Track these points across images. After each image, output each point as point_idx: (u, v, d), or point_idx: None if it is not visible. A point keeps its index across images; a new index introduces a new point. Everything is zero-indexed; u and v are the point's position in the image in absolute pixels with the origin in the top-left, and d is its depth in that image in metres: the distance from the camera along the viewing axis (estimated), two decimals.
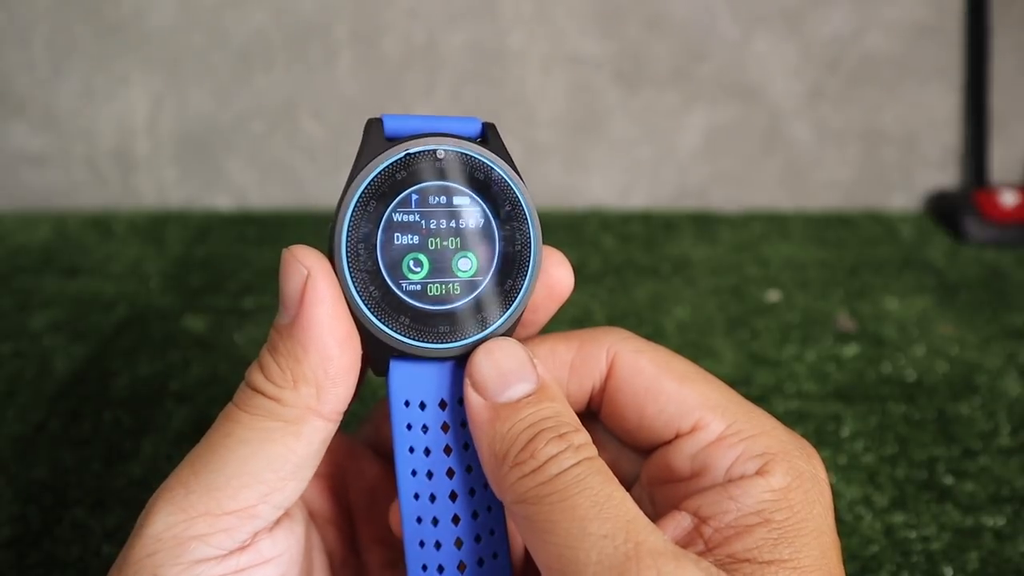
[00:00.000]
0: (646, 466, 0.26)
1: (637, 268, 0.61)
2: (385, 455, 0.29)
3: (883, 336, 0.52)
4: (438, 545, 0.24)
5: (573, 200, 0.71)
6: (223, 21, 0.68)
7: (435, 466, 0.24)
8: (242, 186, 0.72)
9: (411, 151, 0.24)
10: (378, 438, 0.29)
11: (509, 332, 0.24)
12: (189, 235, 0.67)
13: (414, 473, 0.24)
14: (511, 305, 0.24)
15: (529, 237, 0.24)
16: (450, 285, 0.24)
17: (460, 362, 0.24)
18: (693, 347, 0.51)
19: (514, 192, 0.24)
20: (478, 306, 0.24)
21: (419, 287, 0.23)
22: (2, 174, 0.71)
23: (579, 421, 0.23)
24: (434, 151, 0.24)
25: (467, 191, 0.24)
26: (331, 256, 0.23)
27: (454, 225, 0.24)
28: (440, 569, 0.24)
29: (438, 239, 0.24)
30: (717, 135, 0.71)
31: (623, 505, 0.21)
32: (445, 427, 0.24)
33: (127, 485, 0.40)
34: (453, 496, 0.24)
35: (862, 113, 0.70)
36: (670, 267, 0.61)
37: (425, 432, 0.24)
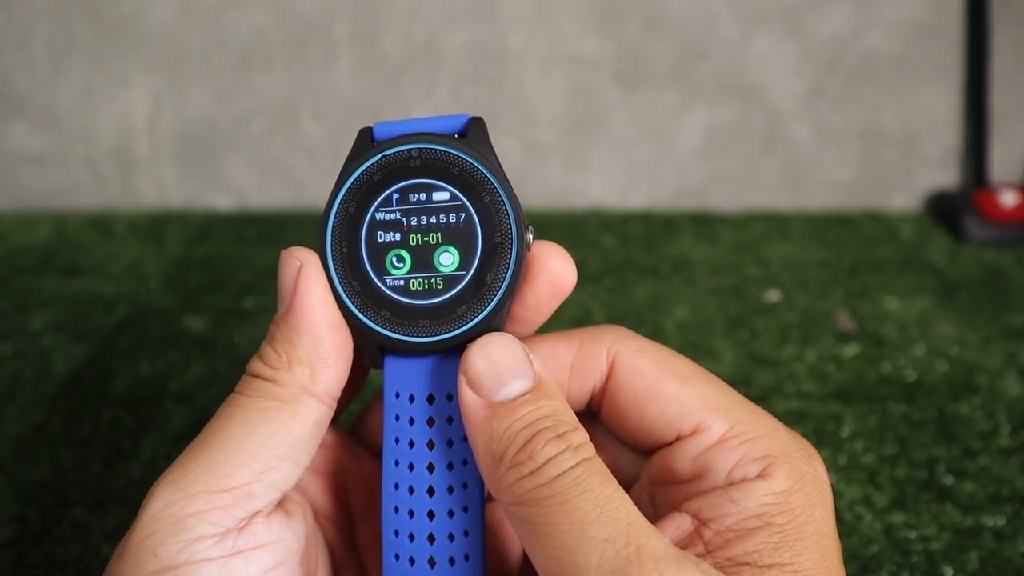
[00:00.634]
0: (647, 467, 0.26)
1: (637, 268, 0.61)
2: (377, 453, 0.29)
3: (883, 336, 0.52)
4: (412, 537, 0.24)
5: (573, 200, 0.71)
6: (223, 21, 0.68)
7: (417, 459, 0.25)
8: (242, 186, 0.72)
9: (386, 152, 0.25)
10: (368, 435, 0.30)
11: (494, 327, 0.24)
12: (189, 235, 0.67)
13: (396, 463, 0.25)
14: (492, 298, 0.24)
15: (509, 229, 0.24)
16: (433, 280, 0.24)
17: (447, 357, 0.25)
18: (693, 347, 0.51)
19: (492, 185, 0.24)
20: (459, 300, 0.24)
21: (402, 282, 0.24)
22: (2, 174, 0.71)
23: (577, 419, 0.23)
24: (408, 151, 0.25)
25: (446, 186, 0.24)
26: (320, 256, 0.25)
27: (435, 221, 0.24)
28: (411, 561, 0.24)
29: (419, 235, 0.24)
30: (717, 135, 0.71)
31: (623, 507, 0.20)
32: (431, 422, 0.25)
33: (127, 485, 0.40)
34: (431, 491, 0.24)
35: (862, 113, 0.70)
36: (670, 267, 0.61)
37: (411, 424, 0.25)
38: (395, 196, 0.24)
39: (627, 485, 0.26)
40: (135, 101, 0.70)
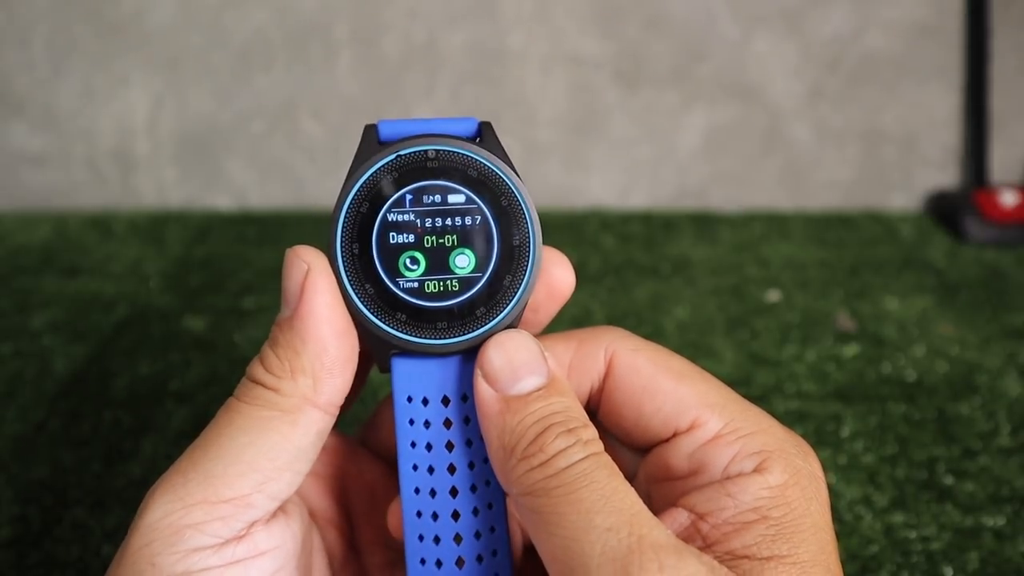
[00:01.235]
0: (644, 464, 0.26)
1: (637, 268, 0.61)
2: (386, 457, 0.29)
3: (883, 336, 0.52)
4: (437, 540, 0.24)
5: (573, 200, 0.71)
6: (223, 21, 0.68)
7: (436, 462, 0.24)
8: (242, 186, 0.72)
9: (401, 152, 0.24)
10: (379, 440, 0.29)
11: (511, 328, 0.24)
12: (189, 235, 0.67)
13: (415, 468, 0.24)
14: (511, 300, 0.24)
15: (528, 232, 0.24)
16: (448, 282, 0.24)
17: (463, 358, 0.25)
18: (693, 347, 0.51)
19: (510, 188, 0.24)
20: (477, 302, 0.24)
21: (416, 284, 0.24)
22: (2, 174, 0.71)
23: (587, 416, 0.23)
24: (425, 151, 0.24)
25: (462, 189, 0.24)
26: (329, 258, 0.24)
27: (450, 223, 0.24)
28: (439, 564, 0.24)
29: (434, 237, 0.24)
30: (717, 135, 0.71)
31: (627, 499, 0.21)
32: (447, 423, 0.25)
33: (127, 485, 0.40)
34: (454, 492, 0.24)
35: (862, 113, 0.70)
36: (670, 267, 0.61)
37: (427, 428, 0.25)
38: (408, 197, 0.24)
39: None
40: (135, 101, 0.70)
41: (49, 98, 0.70)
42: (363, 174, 0.24)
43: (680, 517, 0.23)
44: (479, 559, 0.24)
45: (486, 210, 0.24)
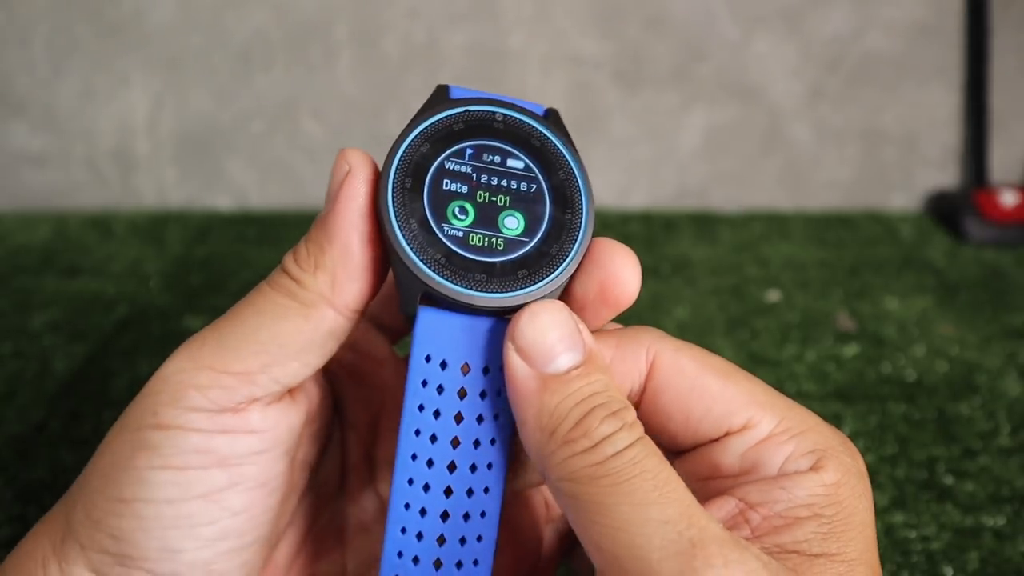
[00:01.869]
0: (682, 463, 0.25)
1: None
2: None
3: (883, 336, 0.52)
4: (423, 512, 0.23)
5: None
6: (223, 21, 0.68)
7: (441, 431, 0.23)
8: (242, 186, 0.72)
9: (471, 108, 0.24)
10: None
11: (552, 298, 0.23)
12: (189, 235, 0.67)
13: (417, 433, 0.23)
14: (556, 269, 0.23)
15: (581, 206, 0.24)
16: (494, 239, 0.23)
17: (492, 325, 0.23)
18: None
19: (570, 164, 0.24)
20: (521, 264, 0.23)
21: (461, 233, 0.23)
22: (2, 174, 0.71)
23: (624, 396, 0.23)
24: (493, 113, 0.24)
25: (523, 156, 0.24)
26: (380, 182, 0.23)
27: (505, 184, 0.24)
28: (419, 536, 0.23)
29: (487, 193, 0.24)
30: (717, 135, 0.71)
31: (679, 489, 0.21)
32: (462, 392, 0.23)
33: None
34: (452, 467, 0.23)
35: (862, 113, 0.70)
36: (670, 267, 0.61)
37: (440, 393, 0.23)
38: (469, 151, 0.24)
39: None
40: (135, 101, 0.70)
41: (49, 98, 0.70)
42: (431, 117, 0.24)
43: (727, 505, 0.23)
44: (462, 541, 0.23)
45: (543, 180, 0.24)
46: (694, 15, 0.68)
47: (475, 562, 0.24)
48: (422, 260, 0.23)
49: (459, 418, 0.23)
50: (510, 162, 0.24)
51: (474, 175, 0.24)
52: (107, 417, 0.44)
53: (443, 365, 0.23)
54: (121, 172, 0.72)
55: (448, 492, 0.23)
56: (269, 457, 0.24)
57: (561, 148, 0.25)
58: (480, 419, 0.23)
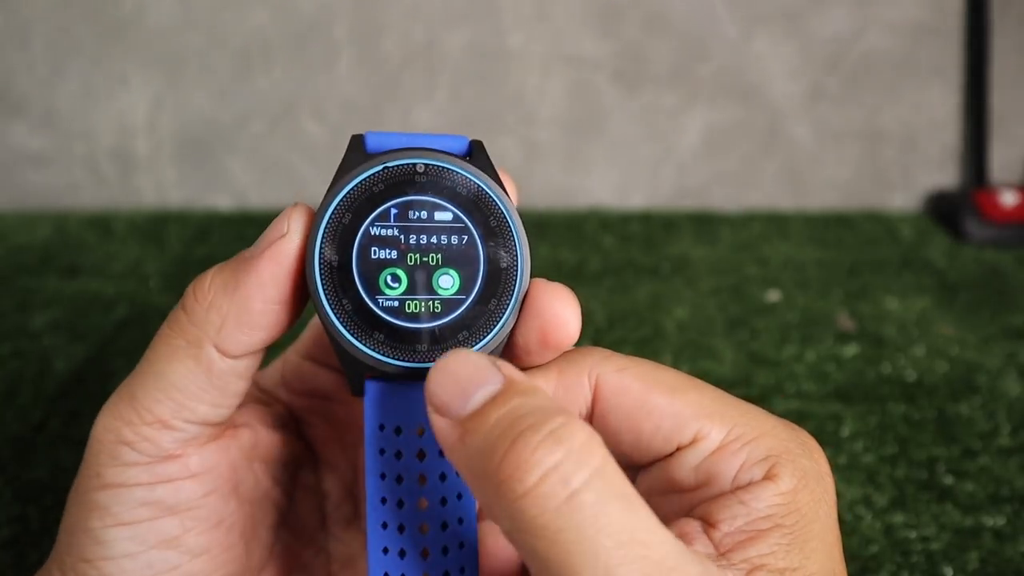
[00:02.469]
0: (642, 479, 0.25)
1: (637, 268, 0.61)
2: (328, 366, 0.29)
3: (883, 336, 0.52)
4: None
5: (573, 200, 0.71)
6: (223, 21, 0.68)
7: (406, 496, 0.23)
8: (242, 186, 0.72)
9: (389, 164, 0.23)
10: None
11: (496, 354, 0.23)
12: (189, 235, 0.67)
13: (384, 501, 0.23)
14: (496, 324, 0.23)
15: (516, 254, 0.23)
16: (430, 302, 0.23)
17: None
18: (693, 347, 0.51)
19: (499, 208, 0.23)
20: (460, 325, 0.23)
21: (396, 303, 0.23)
22: (2, 174, 0.71)
23: (571, 412, 0.21)
24: (414, 165, 0.23)
25: (449, 206, 0.23)
26: (304, 269, 0.22)
27: (435, 241, 0.23)
28: None
29: (418, 255, 0.23)
30: (717, 135, 0.71)
31: (650, 534, 0.19)
32: (421, 454, 0.23)
33: None
34: (423, 529, 0.23)
35: (862, 113, 0.70)
36: (670, 267, 0.61)
37: (399, 459, 0.23)
38: (394, 211, 0.23)
39: None
40: (135, 101, 0.70)
41: (49, 98, 0.70)
42: (348, 183, 0.23)
43: (687, 527, 0.22)
44: None
45: (473, 230, 0.23)
46: (694, 15, 0.68)
47: None
48: (362, 343, 0.22)
49: (422, 479, 0.23)
50: (438, 215, 0.23)
51: (402, 237, 0.23)
52: None
53: (398, 431, 0.23)
54: (121, 172, 0.72)
55: (425, 554, 0.23)
56: (217, 497, 0.24)
57: (488, 191, 0.23)
58: (443, 477, 0.23)
